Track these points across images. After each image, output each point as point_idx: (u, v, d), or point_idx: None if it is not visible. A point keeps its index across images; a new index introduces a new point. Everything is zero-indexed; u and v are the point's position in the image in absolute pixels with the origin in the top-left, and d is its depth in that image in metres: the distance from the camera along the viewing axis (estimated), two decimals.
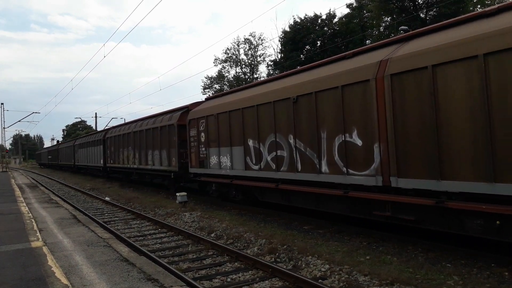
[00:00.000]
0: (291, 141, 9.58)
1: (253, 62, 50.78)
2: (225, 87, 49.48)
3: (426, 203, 6.57)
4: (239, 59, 51.12)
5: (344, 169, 8.09)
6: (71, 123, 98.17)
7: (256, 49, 50.33)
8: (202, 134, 14.01)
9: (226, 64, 51.63)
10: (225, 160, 12.60)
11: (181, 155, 16.01)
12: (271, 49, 79.80)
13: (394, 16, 31.91)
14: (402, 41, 7.71)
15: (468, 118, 5.97)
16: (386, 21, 34.26)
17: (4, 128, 52.35)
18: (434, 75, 6.34)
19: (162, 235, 10.10)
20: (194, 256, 7.91)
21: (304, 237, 8.57)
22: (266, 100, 10.50)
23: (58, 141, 70.77)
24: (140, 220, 12.41)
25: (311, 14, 39.26)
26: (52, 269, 5.77)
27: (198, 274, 6.77)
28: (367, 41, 35.34)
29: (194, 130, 14.60)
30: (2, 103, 51.07)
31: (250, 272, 6.75)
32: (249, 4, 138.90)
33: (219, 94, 16.07)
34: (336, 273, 6.20)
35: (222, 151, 12.78)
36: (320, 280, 5.96)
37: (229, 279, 6.46)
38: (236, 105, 12.03)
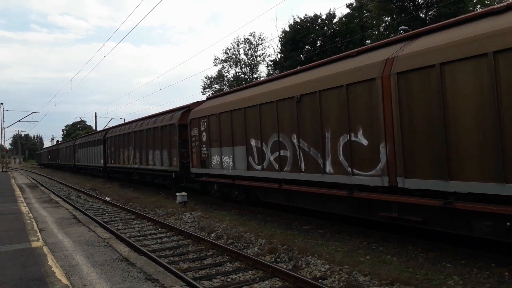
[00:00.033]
0: (295, 140, 9.48)
1: (253, 62, 50.82)
2: (225, 87, 49.52)
3: (434, 204, 6.45)
4: (239, 59, 51.19)
5: (349, 169, 7.98)
6: (71, 123, 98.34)
7: (256, 49, 50.43)
8: (204, 133, 13.93)
9: (226, 64, 51.76)
10: (227, 160, 12.50)
11: (182, 155, 15.95)
12: (271, 49, 79.83)
13: (394, 16, 31.92)
14: (407, 39, 7.60)
15: (477, 116, 5.86)
16: (386, 21, 34.28)
17: (4, 128, 52.41)
18: (442, 73, 6.24)
19: (162, 235, 10.10)
20: (194, 256, 7.92)
21: (304, 237, 8.57)
22: (269, 99, 10.40)
23: (57, 141, 70.76)
24: (140, 220, 12.42)
25: (311, 14, 39.35)
26: (52, 269, 5.77)
27: (198, 274, 6.77)
28: (367, 41, 35.35)
29: (196, 129, 14.51)
30: (2, 103, 51.16)
31: (250, 272, 6.75)
32: (249, 4, 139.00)
33: (220, 93, 15.94)
34: (336, 273, 6.20)
35: (224, 151, 12.68)
36: (320, 280, 5.96)
37: (229, 279, 6.47)
38: (238, 104, 11.91)
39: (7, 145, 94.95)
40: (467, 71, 5.97)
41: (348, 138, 7.97)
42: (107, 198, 18.29)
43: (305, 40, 37.72)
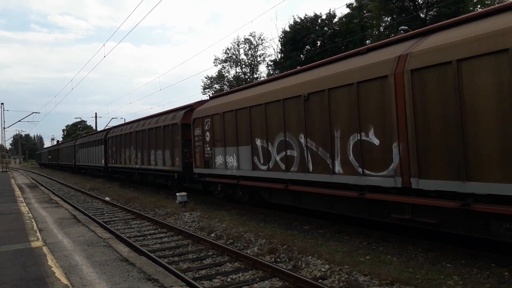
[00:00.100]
0: (302, 140, 9.28)
1: (253, 62, 50.81)
2: (225, 87, 49.52)
3: (450, 206, 6.22)
4: (239, 59, 51.18)
5: (360, 169, 7.76)
6: (71, 123, 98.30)
7: (256, 49, 50.41)
8: (207, 133, 13.75)
9: (226, 64, 51.74)
10: (231, 160, 12.33)
11: (185, 155, 15.81)
12: (271, 49, 79.92)
13: (394, 16, 31.92)
14: (419, 36, 7.36)
15: (497, 114, 5.64)
16: (386, 21, 34.28)
17: (4, 128, 52.40)
18: (459, 70, 6.03)
19: (162, 235, 10.10)
20: (194, 256, 7.91)
21: (304, 237, 8.57)
22: (275, 98, 10.18)
23: (58, 141, 70.80)
24: (140, 220, 12.41)
25: (311, 14, 39.34)
26: (52, 269, 5.77)
27: (198, 274, 6.77)
28: (367, 41, 35.36)
29: (199, 129, 14.34)
30: (2, 103, 51.20)
31: (250, 272, 6.75)
32: (249, 4, 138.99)
33: (224, 92, 15.66)
34: (336, 273, 6.20)
35: (228, 150, 12.50)
36: (320, 280, 5.96)
37: (229, 279, 6.46)
38: (243, 103, 11.71)
39: (7, 145, 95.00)
40: (486, 68, 5.76)
41: (359, 138, 7.75)
42: (107, 198, 18.29)
43: (305, 40, 37.72)
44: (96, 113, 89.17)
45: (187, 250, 8.41)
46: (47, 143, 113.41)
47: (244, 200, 12.86)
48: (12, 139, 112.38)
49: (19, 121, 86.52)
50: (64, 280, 5.24)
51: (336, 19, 38.88)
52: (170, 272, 6.17)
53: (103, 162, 27.75)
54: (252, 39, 50.07)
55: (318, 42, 38.22)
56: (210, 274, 6.75)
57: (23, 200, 15.38)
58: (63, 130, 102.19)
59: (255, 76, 49.95)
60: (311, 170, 9.09)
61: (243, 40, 50.43)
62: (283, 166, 10.01)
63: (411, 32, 7.86)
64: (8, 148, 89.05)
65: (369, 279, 5.83)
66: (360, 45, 27.95)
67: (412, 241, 7.68)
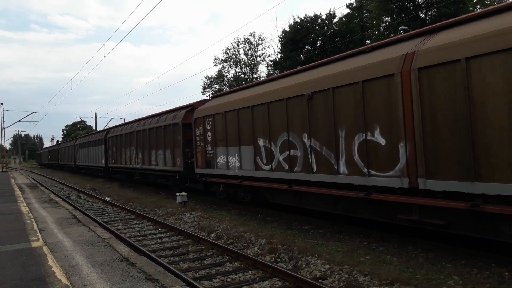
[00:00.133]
0: (306, 140, 9.17)
1: (253, 62, 50.86)
2: (225, 87, 49.57)
3: (459, 207, 6.09)
4: (239, 59, 51.24)
5: (365, 169, 7.64)
6: (71, 123, 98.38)
7: (256, 49, 50.49)
8: (209, 133, 13.65)
9: (226, 64, 51.81)
10: (234, 160, 12.24)
11: (186, 154, 15.74)
12: (271, 49, 79.86)
13: (394, 16, 31.93)
14: (426, 34, 7.25)
15: (509, 113, 5.53)
16: (386, 21, 34.30)
17: (4, 128, 52.41)
18: (468, 68, 5.92)
19: (162, 235, 10.10)
20: (194, 256, 7.92)
21: (304, 237, 8.57)
22: (278, 97, 10.06)
23: (58, 141, 70.79)
24: (140, 220, 12.42)
25: (311, 14, 39.36)
26: (52, 269, 5.77)
27: (198, 274, 6.77)
28: (367, 41, 35.38)
29: (200, 129, 14.25)
30: (2, 103, 51.20)
31: (250, 272, 6.75)
32: (249, 4, 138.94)
33: (226, 91, 15.51)
34: (336, 273, 6.20)
35: (230, 150, 12.39)
36: (320, 280, 5.96)
37: (229, 279, 6.47)
38: (245, 102, 11.58)
39: (7, 145, 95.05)
40: (496, 66, 5.64)
41: (364, 137, 7.63)
42: (107, 198, 18.29)
43: (305, 40, 37.73)
44: (95, 113, 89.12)
45: (187, 250, 8.41)
46: (47, 143, 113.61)
47: (246, 201, 12.78)
48: (12, 139, 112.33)
49: (19, 121, 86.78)
50: (64, 280, 5.24)
51: (336, 19, 38.92)
52: (170, 272, 6.17)
53: (103, 162, 27.74)
54: (252, 39, 50.22)
55: (318, 42, 38.23)
56: (210, 274, 6.76)
57: (23, 200, 15.38)
58: (63, 130, 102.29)
59: (255, 76, 50.00)
60: (315, 170, 8.98)
61: (243, 40, 50.58)
62: (286, 166, 9.91)
63: (416, 30, 7.73)
64: (8, 148, 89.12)
65: (369, 279, 5.84)
66: (360, 45, 27.97)
67: (412, 241, 7.68)
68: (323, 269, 6.40)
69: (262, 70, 60.33)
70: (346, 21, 38.03)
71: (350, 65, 8.31)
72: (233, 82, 49.13)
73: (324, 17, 38.48)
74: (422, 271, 6.05)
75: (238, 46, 50.81)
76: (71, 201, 17.52)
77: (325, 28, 38.57)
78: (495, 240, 6.22)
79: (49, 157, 61.79)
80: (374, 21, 35.30)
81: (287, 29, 40.45)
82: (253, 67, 50.89)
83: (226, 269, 6.99)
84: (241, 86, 14.52)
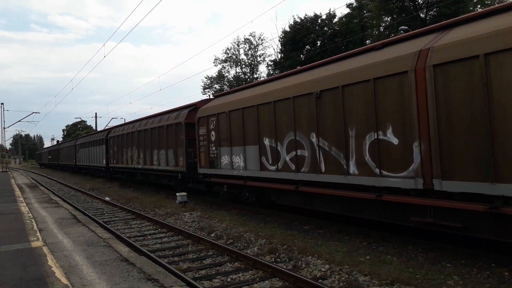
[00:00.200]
0: (314, 139, 8.94)
1: (253, 62, 50.84)
2: (225, 87, 49.57)
3: (478, 209, 5.84)
4: (239, 59, 51.21)
5: (377, 170, 7.40)
6: (71, 123, 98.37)
7: (256, 49, 50.45)
8: (212, 132, 13.49)
9: (226, 64, 51.79)
10: (238, 160, 12.03)
11: (189, 154, 15.58)
12: (271, 49, 79.94)
13: (394, 16, 31.94)
14: (441, 29, 7.01)
15: None
16: (386, 21, 34.30)
17: (4, 128, 52.40)
18: (487, 64, 5.69)
19: (162, 235, 10.10)
20: (194, 256, 7.92)
21: (304, 237, 8.57)
22: (285, 96, 9.84)
23: (58, 141, 70.83)
24: (140, 220, 12.41)
25: (311, 14, 39.36)
26: (52, 269, 5.77)
27: (198, 274, 6.77)
28: (367, 41, 35.38)
29: (204, 128, 14.08)
30: (2, 103, 51.20)
31: (250, 272, 6.75)
32: (249, 4, 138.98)
33: (230, 90, 15.30)
34: (336, 273, 6.20)
35: (235, 150, 12.19)
36: (320, 280, 5.96)
37: (229, 279, 6.47)
38: (250, 101, 11.38)
39: (7, 145, 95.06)
40: None
41: (376, 137, 7.40)
42: (107, 198, 18.29)
43: (305, 40, 37.73)
44: (96, 113, 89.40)
45: (187, 250, 8.41)
46: (47, 143, 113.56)
47: (251, 201, 12.62)
48: (12, 139, 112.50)
49: (19, 121, 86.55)
50: (64, 280, 5.24)
51: (336, 19, 38.92)
52: (170, 272, 6.17)
53: (104, 162, 27.70)
54: (252, 39, 50.19)
55: (318, 42, 38.23)
56: (210, 274, 6.76)
57: (23, 200, 15.39)
58: (63, 130, 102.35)
59: (255, 76, 50.00)
60: (323, 171, 8.75)
61: (243, 40, 50.55)
62: (293, 167, 9.70)
63: (430, 26, 7.53)
64: (8, 148, 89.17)
65: (369, 279, 5.84)
66: (360, 45, 27.96)
67: (412, 241, 7.68)
68: (323, 269, 6.40)
69: (262, 70, 60.36)
70: (346, 21, 38.04)
71: (360, 62, 8.09)
72: (233, 82, 49.12)
73: (324, 17, 38.51)
74: (422, 271, 6.05)
75: (238, 46, 50.84)
76: (71, 201, 17.53)
77: (325, 28, 38.57)
78: (495, 240, 6.21)
79: (49, 157, 61.80)
80: (374, 21, 35.30)
81: (287, 29, 40.49)
82: (253, 67, 50.89)
83: (226, 269, 6.99)
84: (245, 85, 14.25)
